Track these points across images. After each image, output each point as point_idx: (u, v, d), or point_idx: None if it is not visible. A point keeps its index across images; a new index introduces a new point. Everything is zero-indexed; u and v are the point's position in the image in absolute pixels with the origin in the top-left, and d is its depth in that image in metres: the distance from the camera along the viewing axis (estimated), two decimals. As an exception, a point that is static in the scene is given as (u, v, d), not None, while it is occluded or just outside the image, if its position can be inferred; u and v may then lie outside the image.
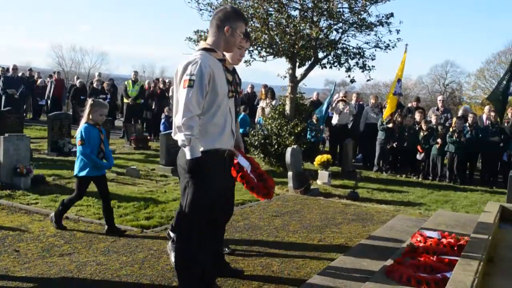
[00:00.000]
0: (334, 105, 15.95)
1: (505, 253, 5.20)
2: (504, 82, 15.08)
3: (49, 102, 23.02)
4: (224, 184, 4.59)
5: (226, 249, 5.95)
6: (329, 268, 5.49)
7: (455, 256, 4.75)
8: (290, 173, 10.87)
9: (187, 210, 4.34)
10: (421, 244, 5.40)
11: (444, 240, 5.56)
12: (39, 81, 23.93)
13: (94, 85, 21.19)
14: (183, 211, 4.40)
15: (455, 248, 5.30)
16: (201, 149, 4.20)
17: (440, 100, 17.00)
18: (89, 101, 6.87)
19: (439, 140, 14.11)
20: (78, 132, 6.67)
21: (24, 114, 21.23)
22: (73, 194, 6.88)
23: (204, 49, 4.38)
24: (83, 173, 6.64)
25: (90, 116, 6.70)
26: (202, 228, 4.37)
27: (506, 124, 14.92)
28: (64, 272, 5.17)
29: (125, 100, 19.11)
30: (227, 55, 4.96)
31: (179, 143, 4.17)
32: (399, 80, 15.22)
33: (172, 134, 4.35)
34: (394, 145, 14.86)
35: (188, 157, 4.13)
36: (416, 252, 5.14)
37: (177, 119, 4.14)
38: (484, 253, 4.40)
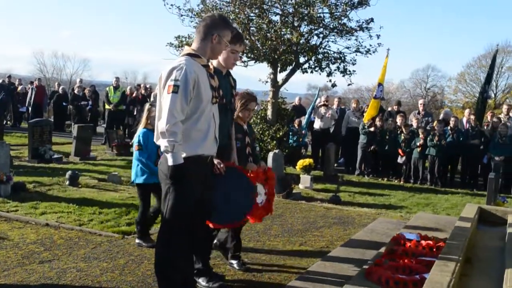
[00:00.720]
0: (316, 109, 16.02)
1: (483, 254, 5.26)
2: (482, 85, 15.26)
3: (30, 109, 22.87)
4: (206, 190, 4.59)
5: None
6: (309, 271, 5.51)
7: (434, 258, 4.80)
8: (272, 178, 10.87)
9: (167, 217, 4.33)
10: (400, 246, 5.45)
11: (423, 242, 5.62)
12: (19, 88, 23.74)
13: (75, 91, 21.11)
14: (163, 217, 4.40)
15: (434, 250, 5.36)
16: (184, 155, 4.20)
17: (421, 104, 17.13)
18: (147, 105, 6.69)
19: (419, 144, 14.22)
20: (135, 137, 6.55)
21: (5, 121, 21.05)
22: (140, 207, 6.73)
23: (189, 54, 4.37)
24: (140, 180, 6.50)
25: (149, 121, 6.49)
26: (182, 234, 4.37)
27: (486, 127, 15.08)
28: (44, 279, 5.15)
29: (107, 106, 19.05)
30: (221, 59, 5.00)
31: (162, 149, 4.16)
32: (380, 84, 15.33)
33: (155, 139, 4.34)
34: (375, 148, 14.95)
35: (170, 163, 4.12)
36: (395, 254, 5.18)
37: (161, 125, 4.13)
38: (461, 254, 4.44)
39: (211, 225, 5.00)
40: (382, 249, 5.51)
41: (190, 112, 4.24)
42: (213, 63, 5.01)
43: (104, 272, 5.42)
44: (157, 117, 4.26)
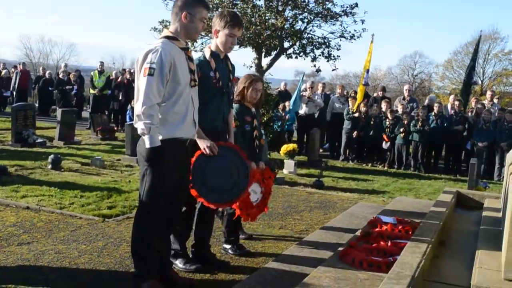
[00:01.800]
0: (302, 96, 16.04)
1: (457, 237, 5.32)
2: (467, 71, 15.29)
3: (14, 93, 22.74)
4: (183, 173, 4.60)
5: (242, 235, 6.14)
6: (286, 254, 5.56)
7: (409, 240, 4.85)
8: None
9: (144, 198, 4.36)
10: (376, 229, 5.50)
11: (399, 225, 5.67)
12: (3, 72, 23.58)
13: (60, 76, 21.01)
14: (140, 199, 4.42)
15: (410, 233, 5.41)
16: (161, 137, 4.21)
17: (406, 90, 17.18)
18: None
19: (402, 130, 14.30)
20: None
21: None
22: None
23: (166, 37, 4.37)
24: None
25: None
26: (159, 216, 4.39)
27: (470, 113, 15.18)
28: (21, 260, 5.15)
29: (92, 91, 19.02)
30: (218, 43, 4.99)
31: (139, 131, 4.17)
32: (367, 71, 15.37)
33: (134, 122, 4.35)
34: (359, 134, 15.01)
35: (147, 145, 4.14)
36: (370, 237, 5.23)
37: (137, 108, 4.14)
38: (434, 236, 4.50)
39: (212, 206, 5.00)
40: (359, 232, 5.56)
41: (167, 95, 4.25)
42: (211, 46, 5.04)
43: (82, 254, 5.43)
44: (135, 100, 4.27)
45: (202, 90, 4.75)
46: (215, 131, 5.06)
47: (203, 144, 4.77)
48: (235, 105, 5.58)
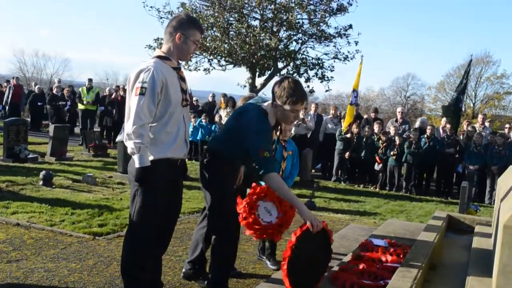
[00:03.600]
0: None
1: (448, 261, 5.32)
2: (456, 94, 15.34)
3: (7, 108, 22.68)
4: (175, 193, 4.59)
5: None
6: (277, 275, 5.53)
7: (400, 264, 4.85)
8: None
9: (135, 219, 4.33)
10: (368, 252, 5.49)
11: (390, 249, 5.67)
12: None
13: (54, 91, 20.99)
14: (131, 219, 4.40)
15: (401, 256, 5.41)
16: (151, 158, 4.21)
17: (399, 112, 17.27)
18: None
19: (393, 153, 14.34)
20: None
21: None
22: None
23: (159, 56, 4.38)
24: None
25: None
26: (149, 238, 4.37)
27: (461, 136, 15.25)
28: (10, 278, 5.12)
29: (80, 106, 19.11)
30: (279, 117, 4.67)
31: (128, 151, 4.17)
32: (354, 91, 15.45)
33: (124, 140, 4.34)
34: (350, 155, 15.04)
35: (136, 165, 4.13)
36: (361, 260, 5.22)
37: (128, 127, 4.15)
38: (425, 261, 4.50)
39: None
40: (349, 255, 5.55)
41: (159, 114, 4.24)
42: (271, 116, 4.67)
43: (72, 273, 5.40)
44: (126, 119, 4.26)
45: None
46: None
47: (308, 219, 4.41)
48: None
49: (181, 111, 4.42)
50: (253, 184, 5.03)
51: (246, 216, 4.89)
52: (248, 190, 5.00)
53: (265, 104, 4.75)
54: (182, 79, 4.47)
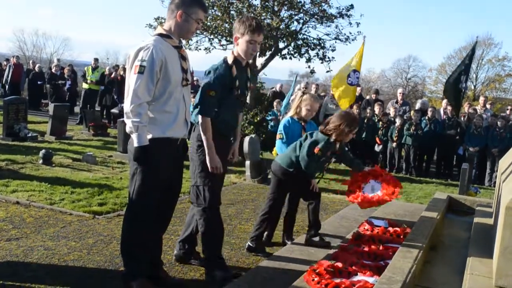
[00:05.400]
0: (294, 95, 16.00)
1: (448, 242, 5.32)
2: (456, 74, 15.15)
3: (6, 86, 22.61)
4: (175, 172, 4.57)
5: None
6: (276, 255, 5.55)
7: (400, 244, 4.85)
8: (247, 162, 10.91)
9: (134, 197, 4.32)
10: (368, 232, 5.49)
11: (390, 229, 5.67)
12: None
13: (53, 70, 20.92)
14: (130, 199, 4.38)
15: (401, 237, 5.41)
16: (150, 136, 4.18)
17: (400, 93, 17.21)
18: (299, 93, 6.42)
19: (395, 135, 14.31)
20: (280, 124, 6.31)
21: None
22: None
23: (160, 34, 4.33)
24: None
25: (298, 110, 6.22)
26: (149, 215, 4.35)
27: (462, 118, 15.20)
28: (10, 256, 5.11)
29: (84, 86, 19.01)
30: (239, 50, 4.86)
31: (127, 129, 4.15)
32: (356, 71, 15.34)
33: (124, 119, 4.32)
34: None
35: (135, 144, 4.11)
36: (361, 240, 5.22)
37: (126, 106, 4.12)
38: (426, 241, 4.49)
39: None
40: (350, 235, 5.55)
41: (157, 93, 4.21)
42: (234, 52, 4.91)
43: (71, 251, 5.40)
44: (125, 97, 4.23)
45: (219, 97, 4.74)
46: (227, 138, 5.06)
47: (213, 164, 4.74)
48: (323, 136, 5.67)
49: (181, 90, 4.38)
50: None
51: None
52: None
53: None
54: (183, 58, 4.41)
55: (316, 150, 5.58)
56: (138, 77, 4.08)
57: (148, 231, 4.40)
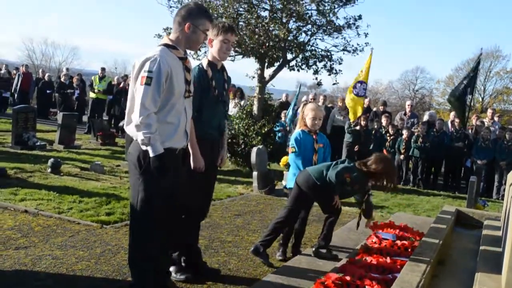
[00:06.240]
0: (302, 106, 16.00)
1: (456, 256, 5.31)
2: (463, 85, 15.04)
3: (16, 95, 22.73)
4: (174, 181, 4.58)
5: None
6: (285, 267, 5.54)
7: (408, 258, 4.84)
8: (255, 173, 10.91)
9: (139, 208, 4.31)
10: (376, 245, 5.48)
11: (398, 242, 5.66)
12: (2, 72, 23.45)
13: (62, 79, 21.01)
14: (134, 209, 4.39)
15: (409, 250, 5.40)
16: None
17: (408, 105, 17.22)
18: (302, 105, 6.46)
19: (403, 148, 14.30)
20: (291, 138, 6.29)
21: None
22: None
23: (166, 45, 4.33)
24: (291, 185, 6.13)
25: (305, 122, 6.20)
26: (155, 225, 4.36)
27: (470, 131, 15.17)
28: (19, 265, 5.13)
29: (91, 95, 19.12)
30: (213, 51, 5.03)
31: (140, 142, 4.14)
32: (362, 82, 15.34)
33: (124, 126, 4.36)
34: (359, 148, 15.00)
35: (151, 155, 4.10)
36: (370, 253, 5.21)
37: (135, 118, 4.12)
38: (434, 255, 4.48)
39: None
40: (358, 248, 5.54)
41: (160, 104, 4.21)
42: (208, 56, 5.08)
43: (79, 261, 5.41)
44: (128, 106, 4.25)
45: (199, 99, 4.83)
46: (208, 140, 5.09)
47: (197, 164, 4.89)
48: (361, 173, 5.70)
49: (183, 102, 4.39)
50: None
51: None
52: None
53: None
54: (187, 69, 4.42)
55: (347, 176, 5.54)
56: (145, 88, 4.07)
57: (155, 240, 4.40)
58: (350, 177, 5.54)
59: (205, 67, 5.03)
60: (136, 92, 4.14)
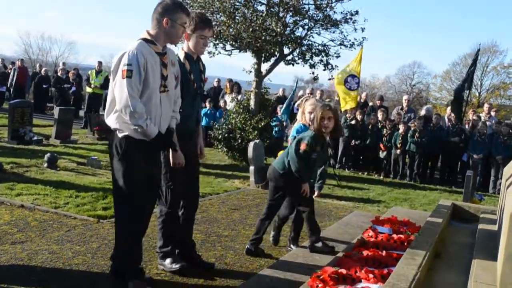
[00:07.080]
0: (300, 101, 15.99)
1: (452, 249, 5.32)
2: (461, 83, 15.14)
3: (11, 90, 22.67)
4: (154, 167, 4.65)
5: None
6: (281, 261, 5.55)
7: (404, 251, 4.84)
8: (251, 168, 10.92)
9: (119, 193, 4.53)
10: (372, 239, 5.49)
11: (394, 236, 5.67)
12: (-3, 67, 23.42)
13: (59, 74, 20.95)
14: (115, 193, 4.62)
15: (405, 244, 5.41)
16: (126, 133, 4.34)
17: (405, 100, 17.22)
18: (303, 100, 6.48)
19: (399, 143, 14.32)
20: (291, 131, 6.34)
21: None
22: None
23: (144, 39, 4.42)
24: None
25: (303, 116, 6.26)
26: (136, 209, 4.50)
27: (467, 125, 15.19)
28: (15, 260, 5.12)
29: (88, 90, 19.07)
30: (190, 45, 5.06)
31: (135, 131, 4.25)
32: (354, 76, 15.36)
33: (105, 117, 4.48)
34: (356, 143, 15.02)
35: (152, 138, 4.29)
36: (366, 247, 5.22)
37: (123, 111, 4.23)
38: (430, 248, 4.49)
39: None
40: (354, 241, 5.55)
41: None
42: (184, 48, 5.12)
43: (76, 255, 5.41)
44: (109, 101, 4.39)
45: (181, 92, 4.86)
46: (188, 132, 5.13)
47: (176, 160, 4.85)
48: (308, 132, 5.69)
49: (158, 96, 4.46)
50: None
51: None
52: None
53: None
54: (164, 65, 4.50)
55: (302, 146, 5.57)
56: (127, 81, 4.20)
57: (136, 227, 4.56)
58: (306, 144, 5.57)
59: (182, 60, 5.04)
60: (119, 86, 4.25)
